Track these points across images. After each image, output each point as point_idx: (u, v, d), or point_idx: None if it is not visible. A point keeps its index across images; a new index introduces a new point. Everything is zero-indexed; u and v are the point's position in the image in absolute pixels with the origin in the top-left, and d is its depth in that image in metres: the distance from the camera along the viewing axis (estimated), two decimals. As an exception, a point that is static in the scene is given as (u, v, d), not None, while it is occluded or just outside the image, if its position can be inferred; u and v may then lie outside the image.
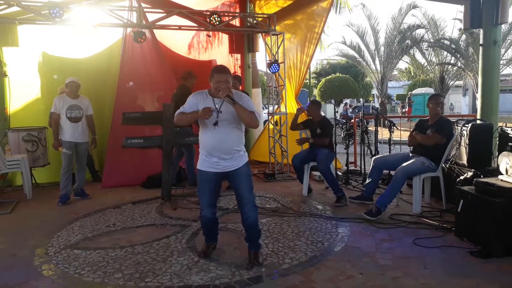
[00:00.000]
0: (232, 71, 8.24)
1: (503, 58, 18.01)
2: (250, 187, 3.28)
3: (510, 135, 4.35)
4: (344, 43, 21.49)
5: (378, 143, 6.49)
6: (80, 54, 6.81)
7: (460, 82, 26.31)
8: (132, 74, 6.60)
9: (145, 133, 6.04)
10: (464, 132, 4.73)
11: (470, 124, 4.72)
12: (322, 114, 5.79)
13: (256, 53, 8.82)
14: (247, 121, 3.15)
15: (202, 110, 3.07)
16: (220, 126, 3.15)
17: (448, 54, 20.43)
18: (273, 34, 7.13)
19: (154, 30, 6.75)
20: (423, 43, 20.44)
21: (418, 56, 22.15)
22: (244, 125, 3.24)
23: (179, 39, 7.74)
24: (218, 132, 3.15)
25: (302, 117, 5.91)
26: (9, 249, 3.77)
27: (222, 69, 3.24)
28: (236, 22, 7.92)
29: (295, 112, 7.33)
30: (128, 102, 6.54)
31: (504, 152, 3.77)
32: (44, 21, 5.76)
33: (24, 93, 6.57)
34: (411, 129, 4.98)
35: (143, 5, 6.42)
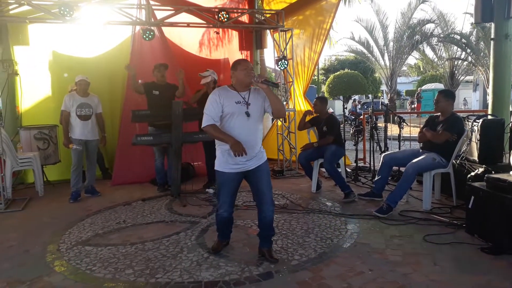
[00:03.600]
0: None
1: (514, 52, 17.74)
2: (270, 185, 3.26)
3: (522, 130, 4.30)
4: (353, 38, 21.35)
5: (388, 140, 6.45)
6: (89, 52, 6.85)
7: (471, 77, 25.97)
8: (142, 72, 6.60)
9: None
10: (475, 128, 4.67)
11: (481, 120, 4.65)
12: (331, 110, 5.77)
13: (264, 49, 8.81)
14: (279, 107, 3.13)
15: (234, 146, 2.99)
16: (251, 117, 3.12)
17: (459, 49, 20.17)
18: (281, 30, 7.12)
19: (164, 28, 6.77)
20: (433, 38, 20.20)
21: (428, 51, 21.94)
22: (272, 113, 3.20)
23: (189, 36, 7.74)
24: (249, 124, 3.13)
25: (309, 116, 5.88)
26: (22, 246, 3.83)
27: (245, 59, 3.31)
28: (245, 18, 7.90)
29: (303, 109, 7.34)
30: (137, 100, 6.57)
31: (516, 148, 3.73)
32: (54, 20, 5.81)
33: (35, 92, 6.63)
34: (421, 125, 4.93)
35: (151, 2, 6.45)
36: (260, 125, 3.25)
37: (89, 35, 6.67)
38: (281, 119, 7.33)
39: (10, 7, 5.78)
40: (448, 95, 4.62)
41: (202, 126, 3.19)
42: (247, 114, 3.11)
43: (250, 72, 3.12)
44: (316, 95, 22.19)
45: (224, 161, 3.19)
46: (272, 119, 9.28)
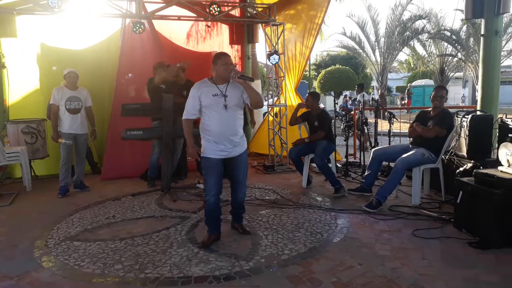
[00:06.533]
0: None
1: (503, 49, 17.92)
2: (246, 172, 3.65)
3: (510, 126, 4.32)
4: (344, 34, 21.35)
5: (378, 135, 6.47)
6: (79, 45, 6.75)
7: (460, 74, 26.25)
8: (131, 65, 6.55)
9: (144, 124, 6.00)
10: (464, 124, 4.71)
11: (470, 115, 4.70)
12: (322, 106, 5.77)
13: (256, 44, 8.76)
14: (257, 99, 3.38)
15: (190, 150, 3.52)
16: (228, 109, 3.34)
17: (449, 46, 20.33)
18: (273, 25, 7.09)
19: (154, 20, 6.70)
20: (423, 34, 20.31)
21: (418, 47, 22.07)
22: (251, 105, 3.42)
23: (178, 28, 7.67)
24: (227, 115, 3.34)
25: (301, 110, 5.89)
26: (9, 241, 3.78)
27: (225, 53, 3.48)
28: (236, 12, 7.85)
29: (294, 104, 7.33)
30: (127, 94, 6.51)
31: (504, 143, 3.77)
32: (42, 12, 5.70)
33: (23, 85, 6.51)
34: (411, 121, 4.96)
35: (141, -5, 6.37)
36: (239, 114, 3.45)
37: (78, 27, 6.57)
38: (272, 114, 7.32)
39: (-3, -2, 5.67)
40: (447, 91, 4.70)
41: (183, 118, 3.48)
42: (225, 107, 3.33)
43: (229, 67, 3.33)
44: (308, 91, 22.22)
45: (210, 148, 3.38)
46: (264, 114, 9.28)
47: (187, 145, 3.54)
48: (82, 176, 5.67)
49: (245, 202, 3.84)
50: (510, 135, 4.26)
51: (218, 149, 3.38)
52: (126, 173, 6.30)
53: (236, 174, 3.56)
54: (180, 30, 7.70)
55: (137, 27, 5.99)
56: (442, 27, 19.84)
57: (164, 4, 6.39)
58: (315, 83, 31.43)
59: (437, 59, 21.30)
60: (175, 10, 6.75)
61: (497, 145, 4.43)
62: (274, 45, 7.09)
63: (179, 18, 6.82)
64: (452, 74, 22.06)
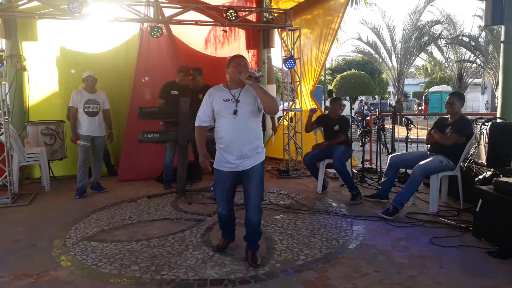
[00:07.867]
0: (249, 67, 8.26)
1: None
2: (260, 188, 3.18)
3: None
4: (360, 39, 21.21)
5: (395, 141, 6.41)
6: (97, 48, 6.86)
7: (479, 80, 25.80)
8: (149, 69, 6.64)
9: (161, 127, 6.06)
10: (484, 131, 4.64)
11: (490, 123, 4.62)
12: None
13: (271, 49, 8.78)
14: (270, 105, 2.99)
15: (202, 159, 3.24)
16: (239, 115, 3.03)
17: (467, 51, 20.03)
18: (289, 30, 7.10)
19: (171, 25, 6.77)
20: (441, 39, 20.07)
21: (436, 53, 21.80)
22: (264, 110, 3.07)
23: (196, 34, 7.72)
24: (237, 122, 3.04)
25: (315, 115, 5.85)
26: (28, 240, 3.85)
27: (239, 55, 3.29)
28: (252, 17, 7.89)
29: (308, 110, 7.30)
30: (144, 97, 6.59)
31: (526, 152, 3.70)
32: (63, 16, 5.82)
33: (43, 87, 6.66)
34: (428, 127, 4.90)
35: (159, 0, 6.45)
36: (253, 123, 3.12)
37: (97, 31, 6.68)
38: (287, 119, 7.31)
39: (20, 2, 5.81)
40: (462, 97, 4.63)
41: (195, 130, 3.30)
42: (234, 112, 3.03)
43: (240, 69, 3.03)
44: (323, 96, 22.13)
45: (218, 158, 3.19)
46: (279, 119, 9.27)
47: (199, 153, 3.28)
48: (99, 177, 5.75)
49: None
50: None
51: (224, 160, 3.11)
52: (142, 175, 6.37)
53: (246, 187, 3.15)
54: (198, 35, 7.76)
55: (154, 32, 6.08)
56: (460, 33, 19.58)
57: (181, 9, 6.46)
58: (331, 88, 31.31)
59: (455, 65, 21.00)
60: (192, 15, 6.81)
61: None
62: (290, 50, 7.10)
63: (196, 23, 6.89)
64: (470, 80, 21.69)
